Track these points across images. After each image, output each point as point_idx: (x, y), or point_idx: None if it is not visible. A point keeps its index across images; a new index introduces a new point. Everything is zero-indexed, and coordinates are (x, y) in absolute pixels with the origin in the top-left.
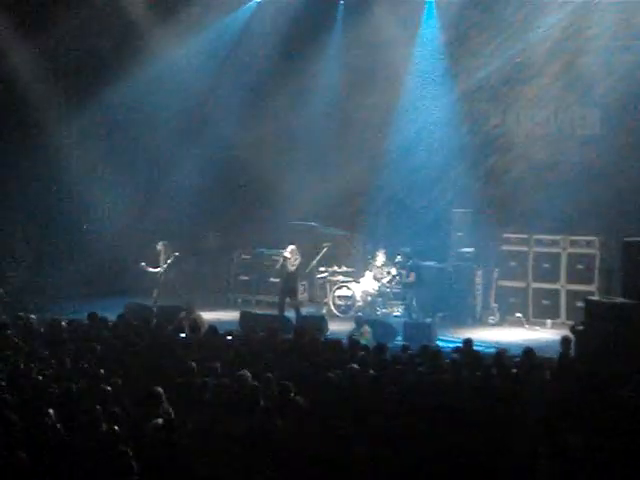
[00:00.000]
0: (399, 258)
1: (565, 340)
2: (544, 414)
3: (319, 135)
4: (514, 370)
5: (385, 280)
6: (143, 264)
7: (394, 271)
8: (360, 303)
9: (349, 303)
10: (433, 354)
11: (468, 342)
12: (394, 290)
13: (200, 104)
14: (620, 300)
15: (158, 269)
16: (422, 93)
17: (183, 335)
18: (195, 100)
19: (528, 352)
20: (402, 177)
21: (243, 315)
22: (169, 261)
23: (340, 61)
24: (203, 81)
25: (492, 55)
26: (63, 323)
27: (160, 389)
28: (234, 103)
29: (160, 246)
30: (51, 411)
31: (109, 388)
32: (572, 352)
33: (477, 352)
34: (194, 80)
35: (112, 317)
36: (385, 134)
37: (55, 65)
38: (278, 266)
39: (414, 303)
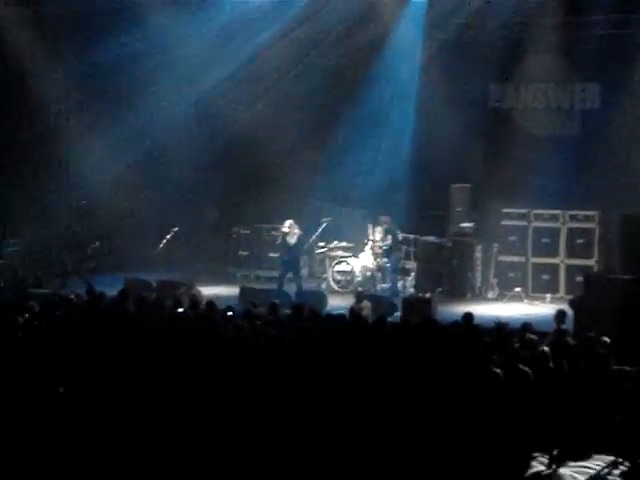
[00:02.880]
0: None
1: (560, 314)
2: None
3: (318, 112)
4: (515, 345)
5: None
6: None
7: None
8: (359, 278)
9: (348, 278)
10: (433, 328)
11: (468, 316)
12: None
13: (199, 79)
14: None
15: None
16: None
17: (181, 310)
18: (195, 74)
19: (526, 327)
20: (401, 154)
21: (243, 290)
22: (168, 236)
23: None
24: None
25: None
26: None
27: None
28: (233, 78)
29: None
30: None
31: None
32: (570, 326)
33: (477, 327)
34: (193, 52)
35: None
36: (383, 110)
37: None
38: (279, 241)
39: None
